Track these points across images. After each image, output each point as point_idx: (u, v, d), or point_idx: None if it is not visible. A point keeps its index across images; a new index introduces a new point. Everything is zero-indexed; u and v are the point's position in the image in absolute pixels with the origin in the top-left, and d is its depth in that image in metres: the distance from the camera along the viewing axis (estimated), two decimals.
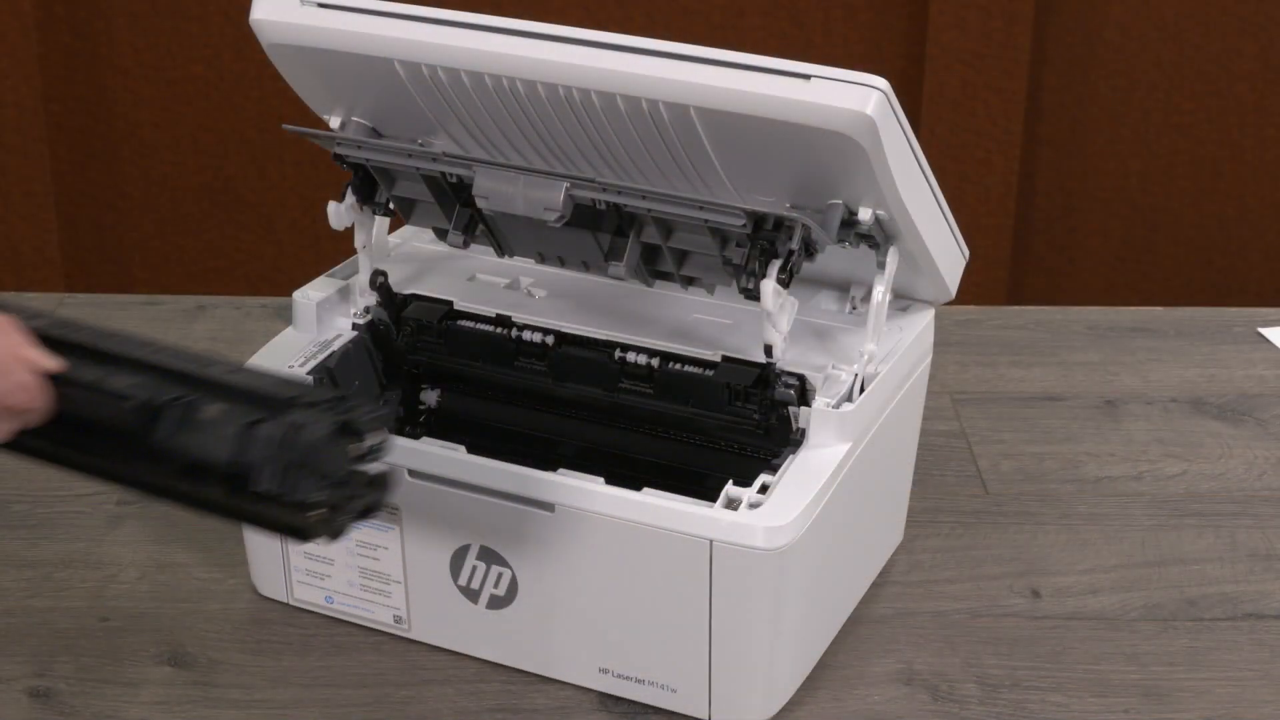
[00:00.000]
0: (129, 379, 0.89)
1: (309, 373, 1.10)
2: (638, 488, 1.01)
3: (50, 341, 0.90)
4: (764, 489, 1.00)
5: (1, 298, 0.99)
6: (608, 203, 1.01)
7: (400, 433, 1.10)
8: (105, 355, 0.90)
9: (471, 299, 1.14)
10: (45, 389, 0.89)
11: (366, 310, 1.15)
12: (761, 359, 1.04)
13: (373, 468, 0.87)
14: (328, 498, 0.86)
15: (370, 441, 0.87)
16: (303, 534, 0.87)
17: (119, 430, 0.89)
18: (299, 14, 1.05)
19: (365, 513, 0.88)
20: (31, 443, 0.90)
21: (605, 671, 1.05)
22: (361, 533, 1.07)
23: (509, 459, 1.03)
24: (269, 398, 0.87)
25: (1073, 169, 2.49)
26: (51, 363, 0.90)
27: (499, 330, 1.12)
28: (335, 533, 0.87)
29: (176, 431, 0.88)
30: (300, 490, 0.85)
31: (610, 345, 1.10)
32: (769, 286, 1.00)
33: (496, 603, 1.06)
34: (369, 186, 1.11)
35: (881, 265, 1.05)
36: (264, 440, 0.86)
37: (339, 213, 1.12)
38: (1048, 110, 2.45)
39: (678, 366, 1.08)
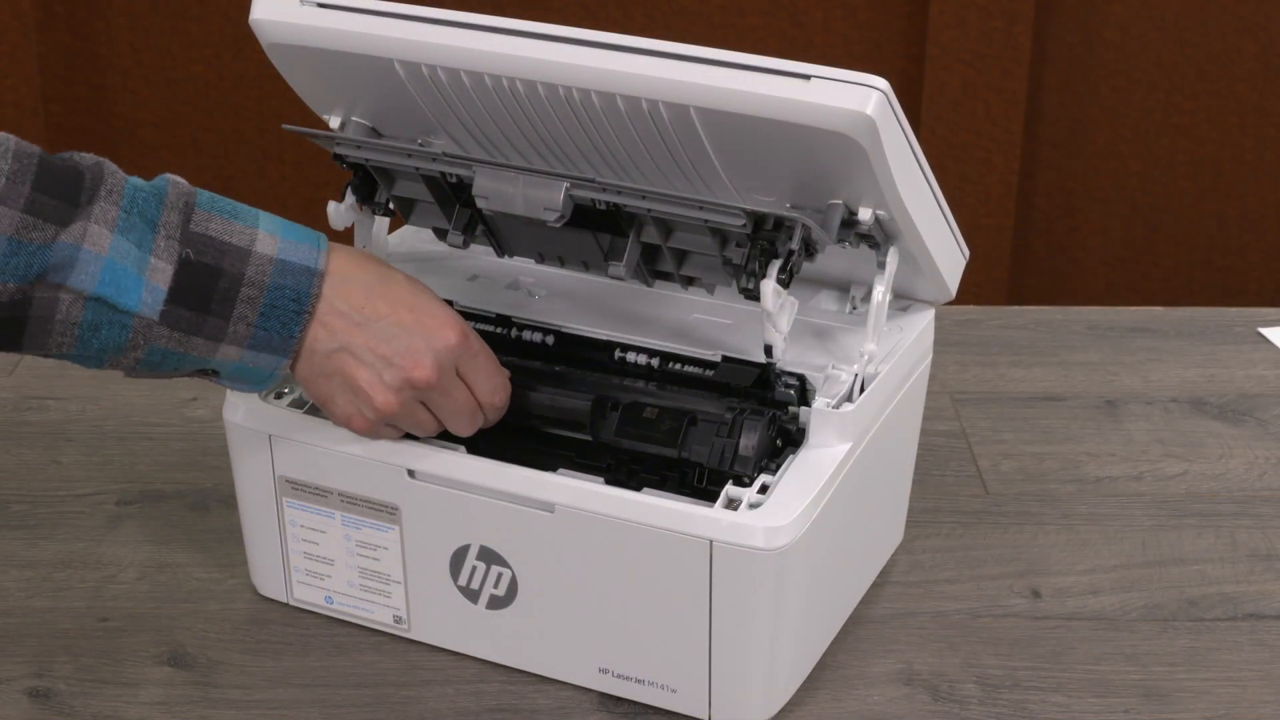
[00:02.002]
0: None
1: None
2: (638, 488, 1.01)
3: None
4: (764, 489, 1.00)
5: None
6: (608, 203, 1.01)
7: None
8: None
9: (471, 299, 1.14)
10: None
11: None
12: (761, 359, 1.04)
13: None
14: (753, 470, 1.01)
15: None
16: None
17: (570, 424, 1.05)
18: (299, 14, 1.05)
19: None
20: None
21: (605, 671, 1.05)
22: (361, 533, 1.07)
23: (509, 459, 1.03)
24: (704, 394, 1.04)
25: (1073, 169, 2.49)
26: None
27: (499, 330, 1.12)
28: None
29: (623, 425, 1.04)
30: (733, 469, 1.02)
31: (610, 345, 1.10)
32: (769, 286, 1.00)
33: (496, 603, 1.06)
34: (369, 186, 1.12)
35: (881, 265, 1.05)
36: (702, 436, 1.03)
37: (339, 213, 1.12)
38: (1048, 110, 2.45)
39: (678, 366, 1.08)
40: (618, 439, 1.05)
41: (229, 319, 0.96)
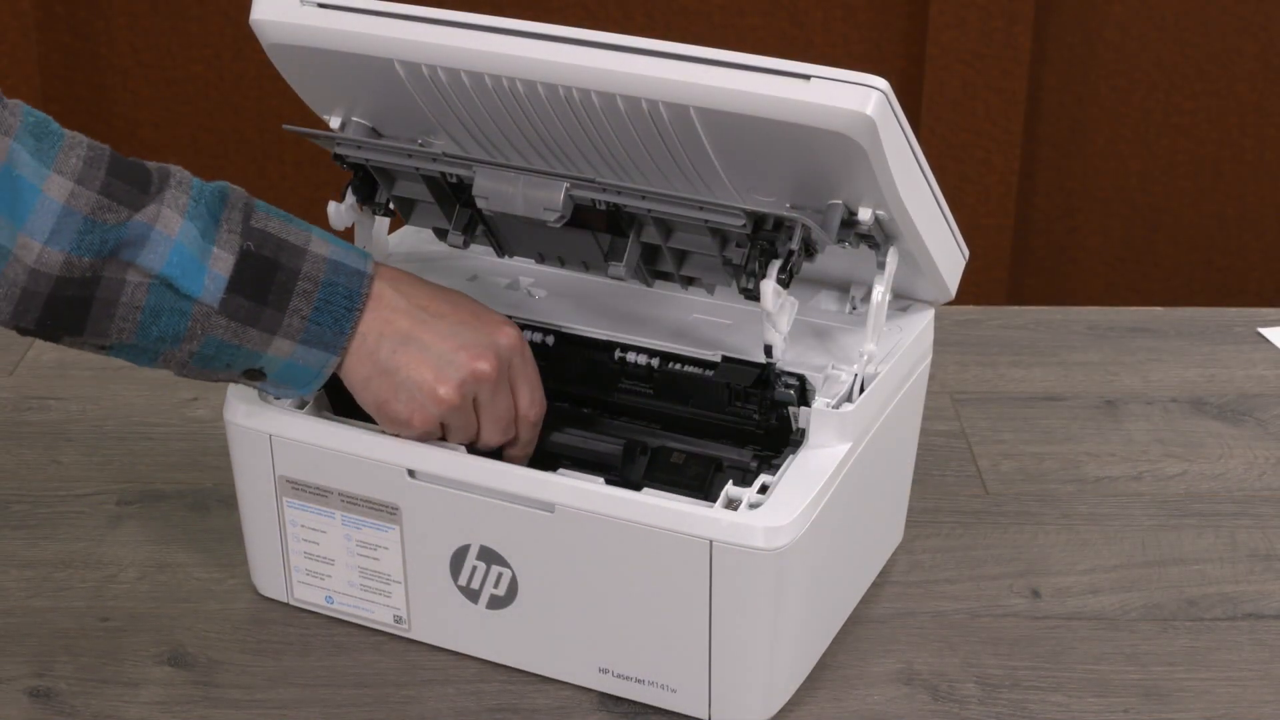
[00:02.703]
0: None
1: None
2: (638, 488, 1.01)
3: None
4: (764, 489, 1.00)
5: None
6: (608, 203, 1.01)
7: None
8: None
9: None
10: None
11: None
12: (761, 359, 1.04)
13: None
14: None
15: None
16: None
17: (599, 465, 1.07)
18: (299, 14, 1.05)
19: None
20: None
21: (605, 671, 1.05)
22: (361, 533, 1.07)
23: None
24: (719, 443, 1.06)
25: (1073, 169, 2.49)
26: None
27: None
28: None
29: (651, 470, 1.06)
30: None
31: (610, 345, 1.10)
32: (769, 287, 1.00)
33: (496, 603, 1.06)
34: (369, 186, 1.12)
35: (881, 265, 1.05)
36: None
37: (339, 213, 1.12)
38: (1048, 110, 2.45)
39: (678, 366, 1.08)
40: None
41: (285, 310, 0.99)
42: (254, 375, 1.02)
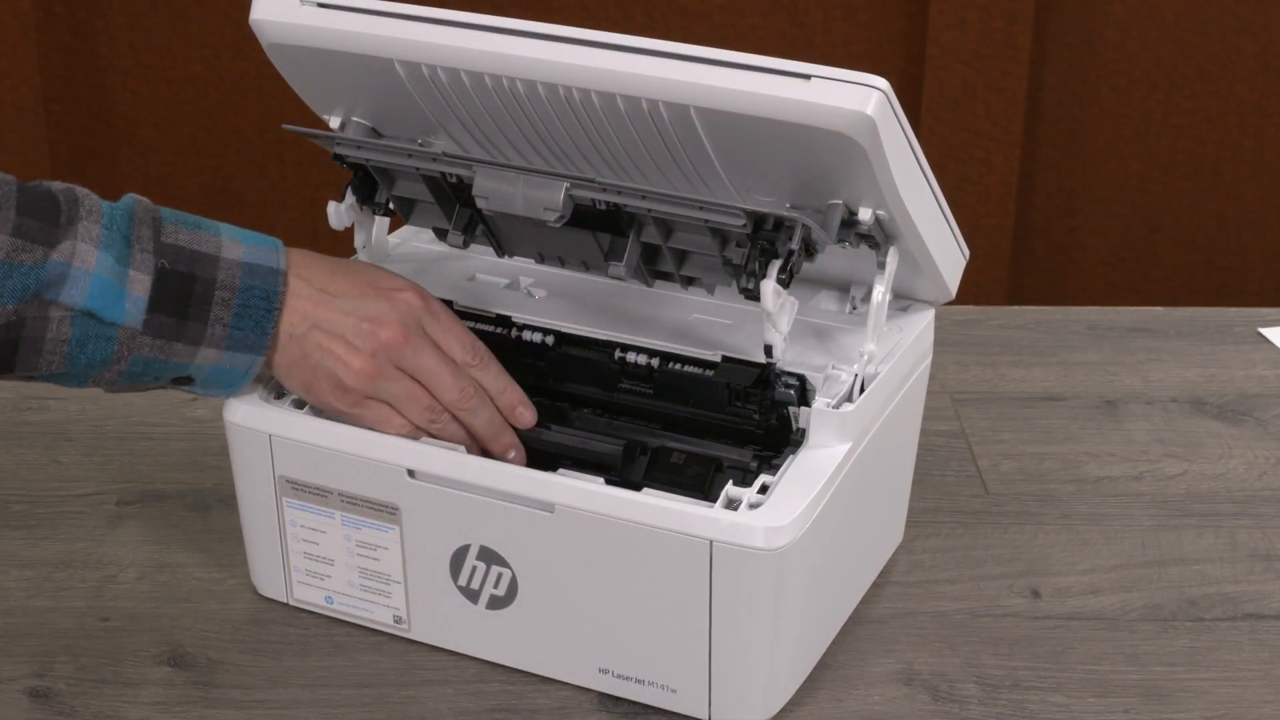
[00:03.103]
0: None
1: None
2: (638, 488, 1.01)
3: None
4: (764, 489, 1.00)
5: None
6: (608, 203, 1.01)
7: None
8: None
9: (471, 299, 1.14)
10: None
11: None
12: (761, 359, 1.04)
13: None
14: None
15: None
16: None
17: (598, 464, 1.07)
18: (299, 14, 1.05)
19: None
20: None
21: (605, 671, 1.05)
22: (361, 533, 1.07)
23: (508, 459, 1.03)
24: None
25: (1073, 169, 2.49)
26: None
27: (499, 330, 1.12)
28: None
29: (651, 470, 1.06)
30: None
31: (610, 345, 1.10)
32: (769, 287, 1.00)
33: (496, 603, 1.06)
34: (369, 186, 1.12)
35: (881, 265, 1.05)
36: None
37: (339, 213, 1.12)
38: (1048, 110, 2.45)
39: (678, 366, 1.08)
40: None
41: (207, 321, 1.01)
42: (183, 382, 1.04)
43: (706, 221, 0.99)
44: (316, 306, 1.03)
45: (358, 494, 1.06)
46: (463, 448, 1.05)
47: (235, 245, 1.02)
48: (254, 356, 1.03)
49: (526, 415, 1.08)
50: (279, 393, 1.09)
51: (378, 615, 1.10)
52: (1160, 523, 1.24)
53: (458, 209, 1.09)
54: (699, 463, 1.06)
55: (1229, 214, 2.51)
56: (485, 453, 1.07)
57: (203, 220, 1.03)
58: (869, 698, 1.07)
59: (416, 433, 1.06)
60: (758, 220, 0.99)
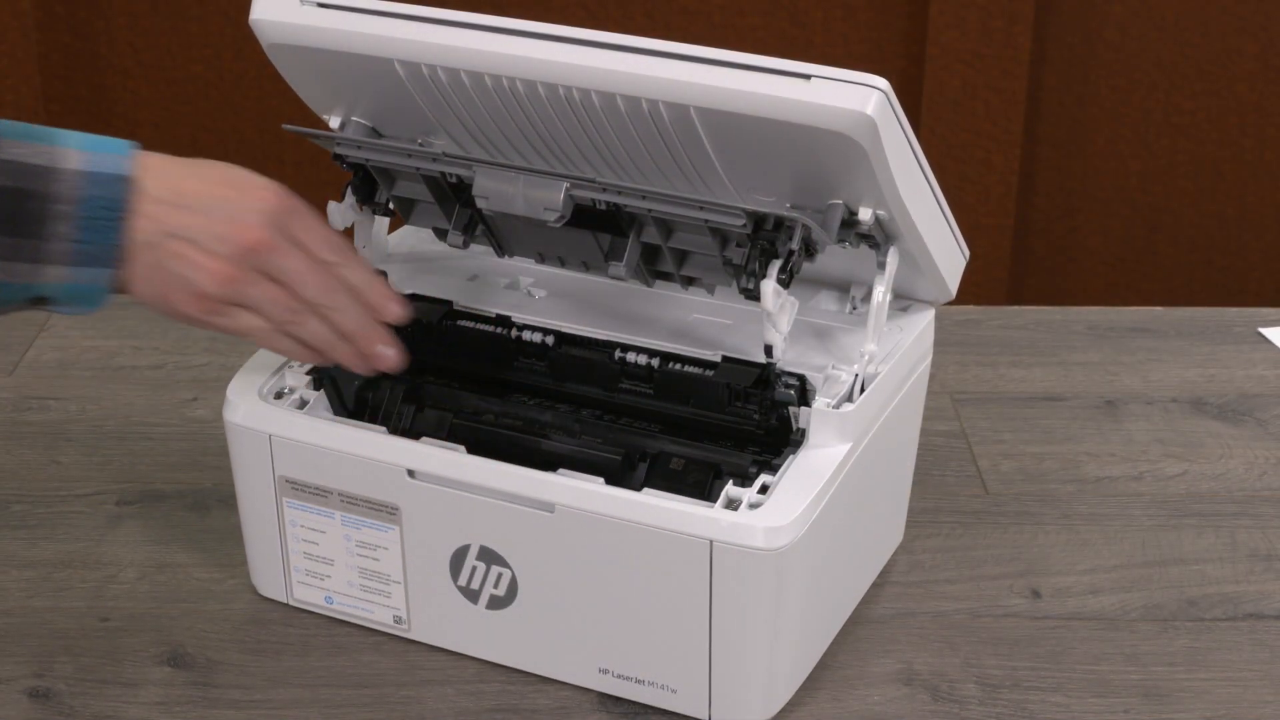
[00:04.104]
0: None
1: (308, 374, 1.10)
2: (638, 488, 1.01)
3: None
4: (764, 489, 1.00)
5: None
6: (608, 203, 1.01)
7: (402, 432, 1.10)
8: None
9: (471, 299, 1.14)
10: None
11: None
12: (761, 359, 1.04)
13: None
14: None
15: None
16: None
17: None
18: (299, 14, 1.05)
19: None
20: None
21: (605, 671, 1.05)
22: (361, 533, 1.07)
23: (509, 459, 1.03)
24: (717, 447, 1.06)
25: (1073, 169, 2.49)
26: None
27: (499, 330, 1.12)
28: None
29: (651, 478, 1.05)
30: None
31: (610, 345, 1.10)
32: (769, 287, 1.00)
33: (496, 603, 1.06)
34: (369, 186, 1.12)
35: (881, 265, 1.05)
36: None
37: (339, 213, 1.12)
38: (1048, 110, 2.45)
39: (678, 366, 1.08)
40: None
41: (43, 238, 0.95)
42: (41, 302, 0.98)
43: (706, 221, 0.99)
44: (171, 211, 0.97)
45: (358, 494, 1.06)
46: (462, 448, 1.04)
47: (76, 154, 0.96)
48: (105, 270, 0.96)
49: (395, 308, 1.04)
50: (279, 392, 1.09)
51: (378, 615, 1.10)
52: (1160, 523, 1.24)
53: (458, 209, 1.09)
54: (698, 468, 1.05)
55: (1229, 214, 2.51)
56: (359, 354, 1.04)
57: (40, 129, 0.96)
58: (869, 698, 1.07)
59: (276, 335, 1.01)
60: (758, 220, 0.99)
